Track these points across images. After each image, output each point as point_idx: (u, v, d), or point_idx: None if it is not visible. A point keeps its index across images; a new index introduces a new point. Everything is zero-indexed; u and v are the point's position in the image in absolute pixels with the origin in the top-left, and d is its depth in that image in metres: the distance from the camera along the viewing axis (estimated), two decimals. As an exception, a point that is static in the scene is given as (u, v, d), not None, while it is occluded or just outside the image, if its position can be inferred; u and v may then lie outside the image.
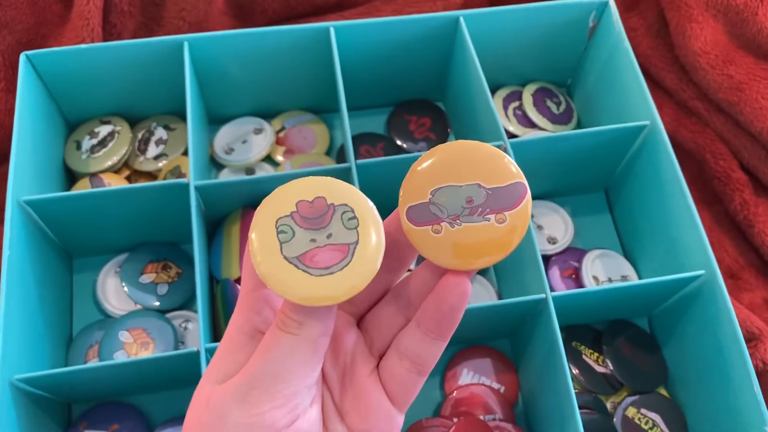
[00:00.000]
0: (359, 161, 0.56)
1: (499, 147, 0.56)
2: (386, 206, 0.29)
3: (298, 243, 0.25)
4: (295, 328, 0.26)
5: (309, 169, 0.57)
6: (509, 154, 0.56)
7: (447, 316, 0.27)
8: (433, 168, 0.27)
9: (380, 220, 0.26)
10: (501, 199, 0.26)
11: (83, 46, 0.59)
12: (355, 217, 0.26)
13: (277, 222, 0.26)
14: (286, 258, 0.25)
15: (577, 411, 0.49)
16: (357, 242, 0.26)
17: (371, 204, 0.27)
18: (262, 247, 0.25)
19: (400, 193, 0.27)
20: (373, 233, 0.26)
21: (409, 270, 0.31)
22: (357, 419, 0.28)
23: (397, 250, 0.28)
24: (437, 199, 0.26)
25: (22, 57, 0.57)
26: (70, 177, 0.66)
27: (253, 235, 0.25)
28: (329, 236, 0.26)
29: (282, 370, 0.25)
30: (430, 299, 0.27)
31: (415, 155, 0.57)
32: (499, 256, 0.26)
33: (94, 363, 0.51)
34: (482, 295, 0.62)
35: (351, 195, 0.26)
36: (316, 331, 0.26)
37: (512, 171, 0.27)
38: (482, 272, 0.65)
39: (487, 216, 0.26)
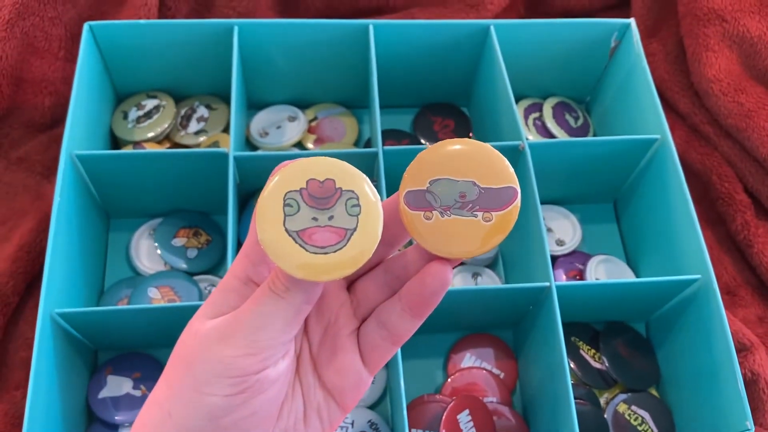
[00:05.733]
0: (386, 147, 0.60)
1: (516, 147, 0.60)
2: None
3: (300, 218, 0.27)
4: (282, 291, 0.28)
5: (340, 151, 0.61)
6: (527, 154, 0.60)
7: (426, 299, 0.29)
8: (436, 159, 0.29)
9: (381, 213, 0.27)
10: (492, 199, 0.28)
11: (142, 21, 0.64)
12: (358, 205, 0.27)
13: (285, 195, 0.27)
14: (287, 230, 0.27)
15: (572, 399, 0.52)
16: (355, 229, 0.27)
17: (377, 196, 0.28)
18: (267, 215, 0.27)
19: (404, 176, 0.29)
20: (372, 224, 0.27)
21: (403, 247, 0.33)
22: (329, 372, 0.31)
23: (394, 226, 0.30)
24: (434, 188, 0.28)
25: (85, 27, 0.62)
26: (115, 145, 0.70)
27: (261, 201, 0.27)
28: (330, 218, 0.27)
29: (263, 324, 0.28)
30: (414, 281, 0.29)
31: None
32: (479, 250, 0.28)
33: (125, 306, 0.55)
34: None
35: (359, 184, 0.27)
36: (300, 298, 0.28)
37: (508, 175, 0.28)
38: (490, 265, 0.68)
39: (475, 212, 0.28)
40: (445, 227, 0.28)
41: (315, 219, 0.27)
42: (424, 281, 0.29)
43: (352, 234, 0.27)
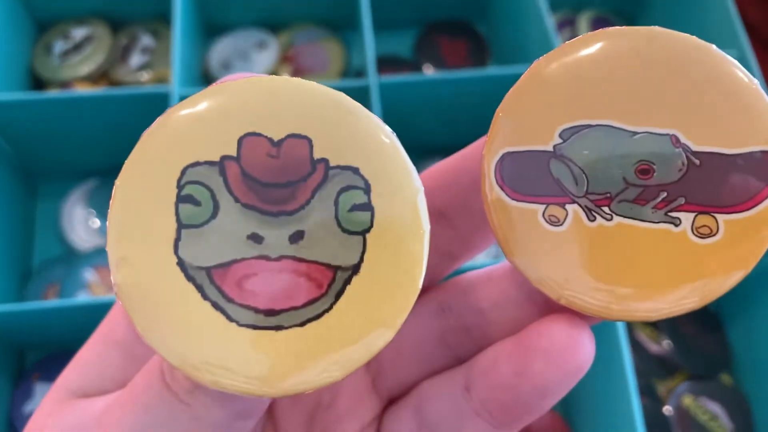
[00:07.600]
0: (383, 78, 0.45)
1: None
2: (414, 155, 0.15)
3: (219, 236, 0.12)
4: (185, 394, 0.13)
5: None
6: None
7: (528, 400, 0.13)
8: (581, 79, 0.12)
9: (426, 224, 0.12)
10: (716, 182, 0.12)
11: None
12: (368, 207, 0.12)
13: (183, 173, 0.12)
14: (181, 264, 0.12)
15: (635, 396, 0.40)
16: (357, 268, 0.12)
17: (416, 180, 0.12)
18: (134, 222, 0.12)
19: (495, 117, 0.13)
20: (405, 256, 0.12)
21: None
22: None
23: (465, 215, 0.15)
24: (571, 150, 0.12)
25: (-23, -71, 0.47)
26: (38, 86, 0.56)
27: (120, 187, 0.12)
28: (296, 237, 0.12)
29: None
30: (504, 359, 0.14)
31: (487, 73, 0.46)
32: (675, 301, 0.12)
33: (50, 302, 0.42)
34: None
35: (371, 147, 0.12)
36: (218, 413, 0.13)
37: (760, 119, 0.12)
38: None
39: (673, 213, 0.12)
40: (599, 245, 0.12)
41: (256, 238, 0.12)
42: (530, 364, 0.13)
43: (348, 278, 0.12)
